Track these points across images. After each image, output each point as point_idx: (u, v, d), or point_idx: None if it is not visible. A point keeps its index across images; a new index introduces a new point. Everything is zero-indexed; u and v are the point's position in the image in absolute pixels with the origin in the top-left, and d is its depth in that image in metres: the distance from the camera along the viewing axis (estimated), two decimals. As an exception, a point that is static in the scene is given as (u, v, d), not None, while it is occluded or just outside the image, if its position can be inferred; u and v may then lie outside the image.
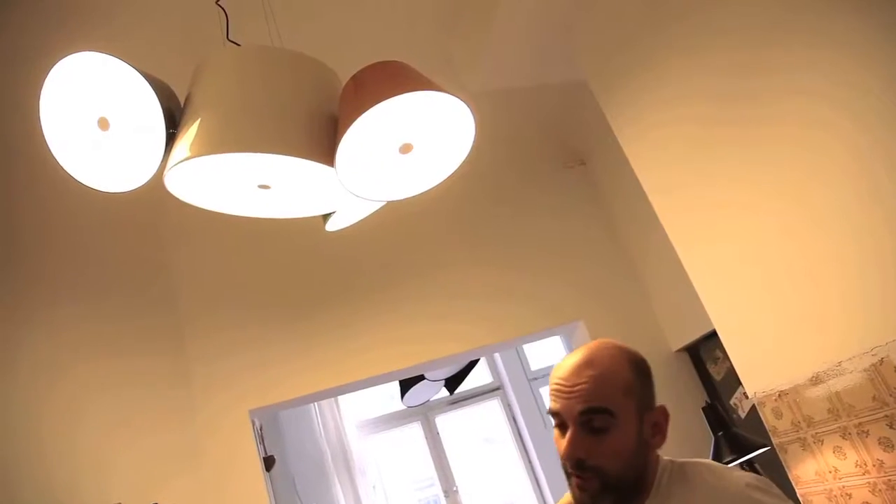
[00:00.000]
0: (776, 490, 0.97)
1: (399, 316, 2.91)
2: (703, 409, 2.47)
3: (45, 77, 1.32)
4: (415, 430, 4.61)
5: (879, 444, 1.55)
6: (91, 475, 2.21)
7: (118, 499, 2.14)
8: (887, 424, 1.52)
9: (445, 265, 3.06)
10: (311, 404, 4.18)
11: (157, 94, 1.34)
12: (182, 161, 1.31)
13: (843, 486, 1.68)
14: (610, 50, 2.26)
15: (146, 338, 2.57)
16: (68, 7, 2.18)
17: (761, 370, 1.89)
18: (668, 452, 1.34)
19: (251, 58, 1.46)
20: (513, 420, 4.77)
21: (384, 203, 1.71)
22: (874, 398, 1.54)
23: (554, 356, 5.00)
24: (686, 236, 2.10)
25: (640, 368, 1.04)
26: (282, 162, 1.41)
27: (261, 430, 3.32)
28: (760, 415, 1.93)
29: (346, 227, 2.95)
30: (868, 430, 1.57)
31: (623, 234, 3.29)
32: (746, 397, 2.72)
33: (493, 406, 4.84)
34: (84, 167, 1.44)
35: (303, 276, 2.93)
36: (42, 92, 1.35)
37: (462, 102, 1.31)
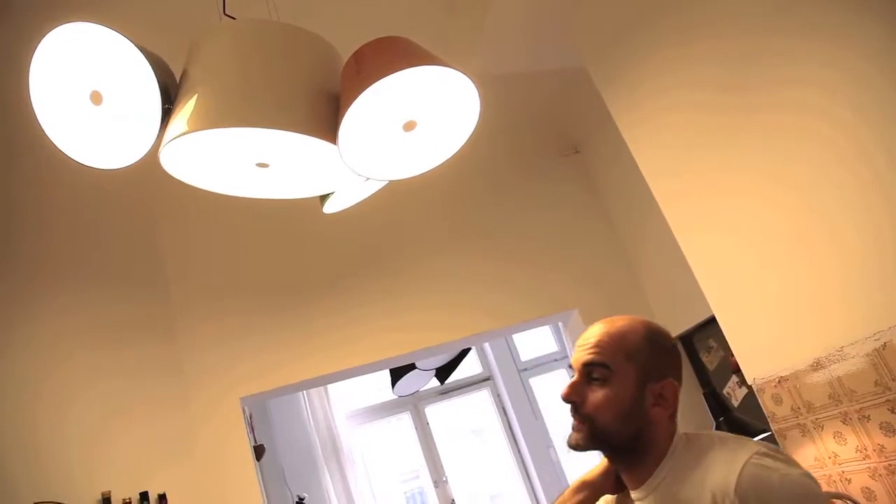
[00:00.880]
0: (785, 455, 0.98)
1: (392, 304, 2.89)
2: (704, 394, 2.49)
3: (35, 48, 1.27)
4: (404, 421, 4.59)
5: (881, 428, 1.54)
6: (82, 464, 2.16)
7: (109, 487, 2.10)
8: (889, 409, 1.52)
9: (440, 253, 3.03)
10: (301, 394, 4.14)
11: (152, 66, 1.30)
12: (179, 136, 1.27)
13: (843, 472, 1.68)
14: (610, 37, 2.24)
15: (137, 326, 2.53)
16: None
17: (761, 356, 1.89)
18: None
19: (249, 32, 1.41)
20: (502, 410, 4.76)
21: (384, 183, 1.68)
22: (876, 383, 1.54)
23: (543, 347, 5.00)
24: (685, 222, 2.09)
25: (654, 341, 1.10)
26: (282, 139, 1.37)
27: (250, 418, 3.28)
28: (759, 401, 1.93)
29: (341, 214, 2.92)
30: (869, 416, 1.57)
31: (617, 223, 3.28)
32: (739, 386, 2.72)
33: (482, 396, 4.83)
34: (76, 143, 1.39)
35: (296, 264, 2.89)
36: (31, 64, 1.30)
37: (466, 77, 1.28)
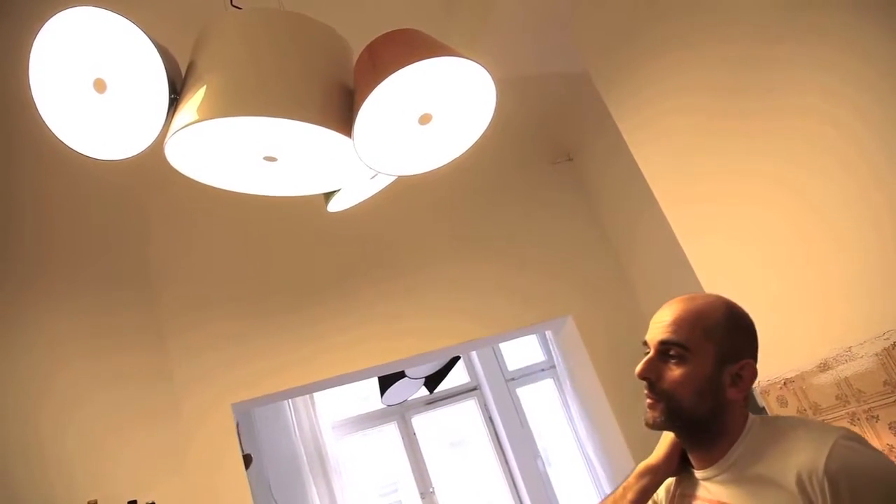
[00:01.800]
0: (869, 444, 0.97)
1: (385, 310, 2.85)
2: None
3: (36, 34, 1.22)
4: (391, 431, 4.53)
5: (890, 428, 1.54)
6: (68, 471, 2.08)
7: (95, 496, 2.02)
8: (899, 409, 1.52)
9: (433, 259, 3.01)
10: (286, 403, 4.06)
11: (160, 52, 1.26)
12: (189, 125, 1.23)
13: (850, 473, 1.68)
14: (612, 40, 2.24)
15: (126, 333, 2.46)
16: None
17: (766, 358, 1.86)
18: None
19: (259, 21, 1.38)
20: (489, 420, 4.72)
21: (390, 181, 1.65)
22: (885, 382, 1.54)
23: (530, 357, 4.98)
24: (689, 225, 2.09)
25: (733, 321, 1.09)
26: (292, 131, 1.34)
27: (237, 427, 3.20)
28: (763, 403, 1.92)
29: (333, 220, 2.89)
30: (878, 416, 1.57)
31: (610, 231, 3.29)
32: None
33: (469, 406, 4.79)
34: (77, 133, 1.35)
35: (287, 270, 2.85)
36: (32, 51, 1.25)
37: (482, 68, 1.27)
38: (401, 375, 3.81)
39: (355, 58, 1.41)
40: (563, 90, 3.07)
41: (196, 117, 1.24)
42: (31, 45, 1.24)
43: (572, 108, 3.23)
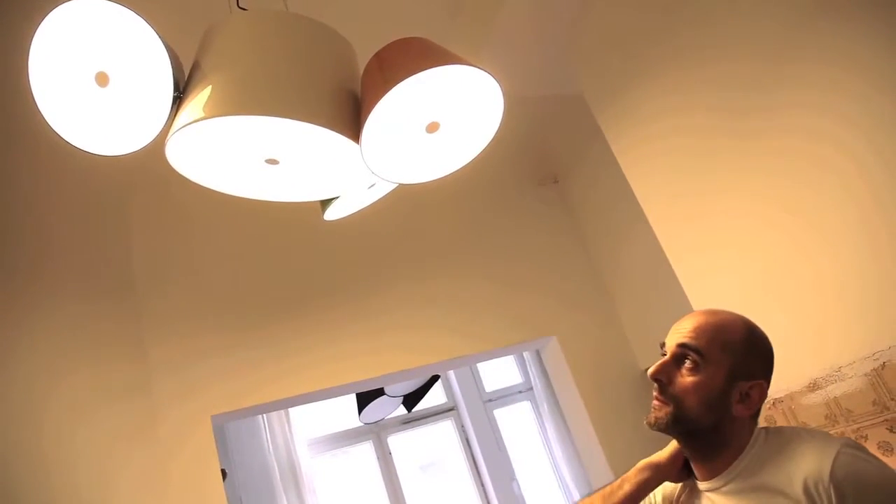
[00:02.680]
0: (871, 453, 0.99)
1: (369, 326, 2.82)
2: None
3: (38, 24, 1.20)
4: (366, 450, 4.46)
5: (879, 448, 1.56)
6: (53, 489, 2.00)
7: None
8: (888, 428, 1.54)
9: (417, 276, 2.99)
10: (261, 419, 3.98)
11: (165, 46, 1.24)
12: (194, 122, 1.22)
13: (838, 494, 1.69)
14: (608, 61, 2.28)
15: (107, 344, 2.38)
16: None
17: (754, 378, 1.90)
18: None
19: (267, 22, 1.37)
20: (466, 442, 4.67)
21: (390, 189, 1.64)
22: (874, 402, 1.56)
23: (508, 379, 4.96)
24: (679, 243, 2.11)
25: (752, 340, 1.11)
26: (295, 135, 1.33)
27: (212, 442, 3.12)
28: (750, 424, 1.93)
29: (315, 235, 2.85)
30: (867, 435, 1.59)
31: (594, 253, 3.32)
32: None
33: (446, 427, 4.74)
34: (76, 127, 1.32)
35: (271, 283, 2.81)
36: (33, 41, 1.22)
37: (490, 76, 1.27)
38: (379, 393, 3.77)
39: (360, 63, 1.41)
40: (550, 112, 3.11)
41: (202, 114, 1.23)
42: (32, 36, 1.22)
43: (559, 130, 3.28)
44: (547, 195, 3.40)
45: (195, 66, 1.33)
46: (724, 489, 1.07)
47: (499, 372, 4.94)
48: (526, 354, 4.71)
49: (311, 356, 2.69)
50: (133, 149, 1.35)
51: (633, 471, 1.19)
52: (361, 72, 1.37)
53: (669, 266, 2.18)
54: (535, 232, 3.27)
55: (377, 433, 4.50)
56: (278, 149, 1.38)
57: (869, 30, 1.51)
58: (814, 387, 1.71)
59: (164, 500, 2.21)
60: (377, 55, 1.34)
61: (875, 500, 0.91)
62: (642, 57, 2.12)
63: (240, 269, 2.78)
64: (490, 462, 4.51)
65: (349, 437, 4.45)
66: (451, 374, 4.70)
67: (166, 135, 1.28)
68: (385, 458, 4.44)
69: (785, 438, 1.06)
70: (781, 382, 1.80)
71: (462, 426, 4.72)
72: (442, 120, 1.33)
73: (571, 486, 4.34)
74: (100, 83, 1.28)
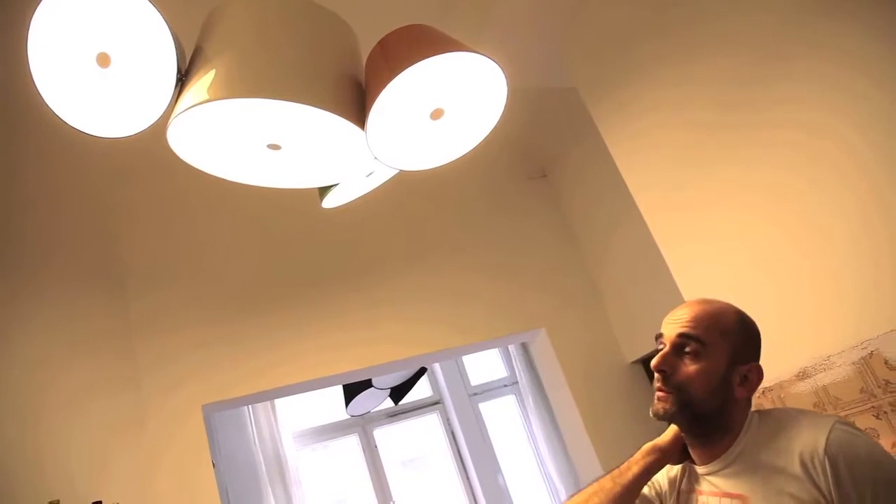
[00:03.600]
0: (859, 429, 1.05)
1: (360, 317, 2.83)
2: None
3: (38, 4, 1.18)
4: (352, 443, 4.46)
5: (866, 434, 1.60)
6: (28, 471, 1.98)
7: (58, 496, 1.92)
8: (874, 415, 1.58)
9: (409, 268, 3.00)
10: (246, 410, 3.96)
11: (168, 27, 1.23)
12: (198, 104, 1.21)
13: (825, 480, 1.73)
14: (603, 55, 2.31)
15: (96, 337, 2.36)
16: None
17: (744, 368, 1.93)
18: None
19: (271, 6, 1.37)
20: (451, 435, 4.69)
21: (390, 177, 1.65)
22: (861, 390, 1.60)
23: (493, 373, 4.99)
24: (670, 234, 2.14)
25: (745, 325, 1.16)
26: (300, 119, 1.32)
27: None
28: (739, 413, 1.97)
29: (306, 225, 2.84)
30: (854, 422, 1.62)
31: (582, 247, 3.35)
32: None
33: (431, 420, 4.76)
34: (77, 109, 1.30)
35: (262, 274, 2.81)
36: (32, 20, 1.21)
37: (495, 63, 1.28)
38: (367, 385, 3.76)
39: (363, 49, 1.41)
40: (539, 106, 3.13)
41: (206, 97, 1.22)
42: (32, 15, 1.20)
43: (548, 124, 3.30)
44: (536, 189, 3.43)
45: (198, 50, 1.33)
46: (724, 471, 1.10)
47: (484, 366, 4.96)
48: (511, 348, 4.73)
49: (302, 346, 2.69)
50: (133, 131, 1.34)
51: (638, 454, 1.21)
52: (363, 58, 1.37)
53: (657, 258, 2.21)
54: (523, 225, 3.30)
55: (363, 426, 4.50)
56: (281, 134, 1.38)
57: (864, 25, 1.54)
58: (802, 375, 1.74)
59: (157, 488, 2.19)
60: (381, 42, 1.34)
61: (865, 471, 0.96)
62: (638, 51, 2.14)
63: (228, 261, 2.77)
64: (475, 455, 4.53)
65: (335, 430, 4.45)
66: (437, 367, 4.71)
67: (158, 120, 1.27)
68: (371, 450, 4.45)
69: (778, 419, 1.10)
70: (771, 371, 1.82)
71: (447, 419, 4.74)
72: (446, 107, 1.33)
73: (555, 478, 4.37)
74: (101, 64, 1.27)
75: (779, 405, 1.83)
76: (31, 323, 2.24)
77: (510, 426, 4.79)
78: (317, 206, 1.69)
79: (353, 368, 2.75)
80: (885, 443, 1.55)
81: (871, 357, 1.57)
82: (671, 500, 1.23)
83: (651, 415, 1.14)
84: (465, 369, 4.87)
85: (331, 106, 1.26)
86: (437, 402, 4.81)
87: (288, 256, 2.86)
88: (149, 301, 2.55)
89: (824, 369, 1.68)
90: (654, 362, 1.13)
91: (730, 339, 1.12)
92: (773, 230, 1.81)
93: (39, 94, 1.25)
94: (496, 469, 4.53)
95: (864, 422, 1.60)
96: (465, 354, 4.24)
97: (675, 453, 1.20)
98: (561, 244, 3.32)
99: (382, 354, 2.78)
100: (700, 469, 1.15)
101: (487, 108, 1.34)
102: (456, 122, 1.35)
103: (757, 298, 1.87)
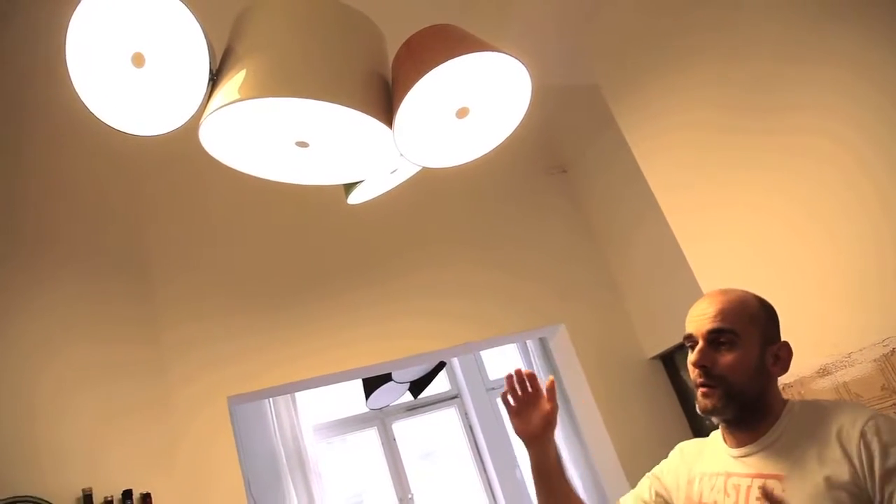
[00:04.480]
0: None
1: (383, 310, 2.85)
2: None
3: (77, 5, 1.22)
4: (371, 436, 4.51)
5: (887, 432, 1.61)
6: (63, 460, 2.04)
7: (90, 484, 1.98)
8: (895, 412, 1.58)
9: (431, 264, 3.03)
10: (268, 403, 4.02)
11: (202, 28, 1.27)
12: (230, 103, 1.24)
13: (845, 476, 1.74)
14: (626, 53, 2.32)
15: (123, 323, 2.42)
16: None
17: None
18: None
19: (300, 6, 1.40)
20: (469, 429, 4.73)
21: (413, 173, 1.67)
22: (883, 387, 1.61)
23: (511, 367, 5.00)
24: (691, 233, 2.15)
25: (767, 308, 1.22)
26: (328, 117, 1.35)
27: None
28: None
29: (332, 218, 2.87)
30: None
31: (601, 243, 3.36)
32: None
33: (450, 414, 4.79)
34: (113, 107, 1.34)
35: (286, 266, 2.84)
36: (70, 23, 1.24)
37: (520, 62, 1.30)
38: (387, 379, 3.80)
39: (390, 48, 1.44)
40: (560, 103, 3.13)
41: (237, 96, 1.25)
42: (70, 16, 1.24)
43: (568, 121, 3.31)
44: (556, 184, 3.44)
45: (228, 50, 1.36)
46: (761, 453, 1.13)
47: (502, 360, 4.98)
48: (529, 343, 4.76)
49: (324, 340, 2.72)
50: (167, 130, 1.37)
51: None
52: (390, 58, 1.40)
53: (676, 255, 2.22)
54: (543, 221, 3.31)
55: (382, 419, 4.54)
56: (309, 131, 1.41)
57: (875, 34, 1.55)
58: (823, 372, 1.75)
59: (182, 477, 2.24)
60: (408, 42, 1.37)
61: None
62: (659, 52, 2.15)
63: (255, 252, 2.81)
64: (493, 449, 4.56)
65: (354, 423, 4.50)
66: (455, 361, 4.74)
67: (198, 115, 1.30)
68: (389, 444, 4.49)
69: (820, 405, 1.14)
70: (792, 368, 1.82)
71: (465, 413, 4.77)
72: (471, 105, 1.36)
73: (573, 472, 4.39)
74: (136, 64, 1.30)
75: (799, 401, 1.84)
76: (50, 306, 2.30)
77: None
78: (340, 201, 1.72)
79: (374, 362, 2.78)
80: (907, 440, 1.55)
81: (892, 354, 1.58)
82: (681, 492, 1.25)
83: (699, 411, 1.16)
84: (482, 363, 4.89)
85: (359, 105, 1.29)
86: (454, 397, 4.85)
87: (309, 250, 2.89)
88: (172, 292, 2.60)
89: (845, 366, 1.69)
90: (692, 359, 1.17)
91: (757, 324, 1.16)
92: (793, 230, 1.82)
93: (77, 93, 1.29)
94: (514, 463, 4.56)
95: (886, 419, 1.60)
96: (485, 349, 4.28)
97: None
98: (580, 240, 3.33)
99: (402, 349, 2.81)
100: (735, 451, 1.17)
101: (512, 107, 1.36)
102: (481, 121, 1.37)
103: (778, 295, 1.86)
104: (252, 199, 2.77)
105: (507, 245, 3.18)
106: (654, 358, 3.15)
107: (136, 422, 2.26)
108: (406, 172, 1.67)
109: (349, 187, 1.71)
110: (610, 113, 2.43)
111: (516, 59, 1.30)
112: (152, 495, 2.11)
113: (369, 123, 1.32)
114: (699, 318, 1.18)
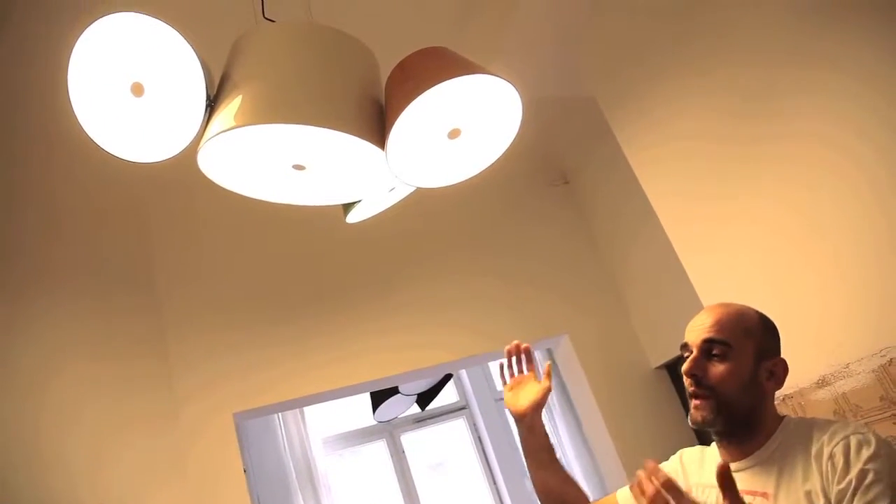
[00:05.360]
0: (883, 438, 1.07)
1: (388, 324, 2.88)
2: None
3: (74, 40, 1.25)
4: (379, 448, 4.52)
5: (886, 442, 1.60)
6: (72, 476, 2.07)
7: (96, 501, 2.01)
8: (895, 423, 1.58)
9: (435, 277, 3.05)
10: (276, 417, 4.04)
11: (198, 57, 1.30)
12: (227, 130, 1.27)
13: (847, 487, 1.73)
14: (620, 64, 2.34)
15: (128, 339, 2.45)
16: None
17: (764, 375, 1.94)
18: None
19: (294, 33, 1.43)
20: (478, 440, 4.73)
21: (409, 193, 1.70)
22: (881, 398, 1.61)
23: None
24: (690, 243, 2.16)
25: (765, 322, 1.22)
26: (323, 140, 1.38)
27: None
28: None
29: (335, 233, 2.89)
30: (874, 430, 1.63)
31: (604, 253, 3.36)
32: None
33: (458, 425, 4.80)
34: (113, 135, 1.38)
35: (291, 281, 2.87)
36: (73, 53, 1.28)
37: (510, 85, 1.33)
38: (394, 392, 3.82)
39: (382, 72, 1.46)
40: (560, 114, 3.15)
41: (233, 123, 1.28)
42: (73, 47, 1.27)
43: (568, 131, 3.32)
44: (557, 195, 3.45)
45: (225, 77, 1.39)
46: (751, 469, 1.14)
47: (510, 371, 4.97)
48: (537, 354, 4.76)
49: (330, 354, 2.75)
50: (166, 156, 1.41)
51: None
52: (383, 80, 1.43)
53: (678, 265, 2.23)
54: (546, 232, 3.33)
55: (390, 432, 4.55)
56: (305, 155, 1.44)
57: (876, 39, 1.55)
58: (822, 383, 1.75)
59: (189, 494, 2.27)
60: (401, 65, 1.39)
61: (862, 455, 1.00)
62: (654, 62, 2.17)
63: (260, 267, 2.85)
64: (502, 460, 4.56)
65: (363, 436, 4.52)
66: (463, 373, 4.75)
67: (196, 141, 1.34)
68: (398, 456, 4.50)
69: (814, 423, 1.14)
70: (790, 379, 1.81)
71: (474, 424, 4.77)
72: (463, 126, 1.38)
73: (582, 482, 4.38)
74: (135, 93, 1.34)
75: (799, 413, 1.83)
76: (56, 322, 2.33)
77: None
78: (342, 218, 1.75)
79: (380, 376, 2.80)
80: (907, 450, 1.55)
81: (890, 364, 1.58)
82: None
83: (690, 423, 1.17)
84: (490, 374, 4.90)
85: (353, 129, 1.32)
86: (463, 408, 4.85)
87: (314, 266, 2.92)
88: (178, 308, 2.63)
89: (844, 377, 1.69)
90: (684, 368, 1.18)
91: (753, 338, 1.17)
92: (791, 240, 1.82)
93: (78, 121, 1.33)
94: (523, 473, 4.55)
95: (885, 429, 1.60)
96: (491, 361, 4.28)
97: None
98: (583, 250, 3.34)
99: (408, 362, 2.83)
100: (734, 465, 1.16)
101: (503, 127, 1.38)
102: (473, 141, 1.40)
103: (776, 306, 1.87)
104: (257, 215, 2.80)
105: (509, 257, 3.20)
106: (660, 367, 3.15)
107: (142, 437, 2.28)
108: (403, 191, 1.70)
109: (347, 207, 1.74)
110: (608, 124, 2.45)
111: (507, 81, 1.32)
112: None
113: (364, 146, 1.35)
114: (696, 329, 1.20)
